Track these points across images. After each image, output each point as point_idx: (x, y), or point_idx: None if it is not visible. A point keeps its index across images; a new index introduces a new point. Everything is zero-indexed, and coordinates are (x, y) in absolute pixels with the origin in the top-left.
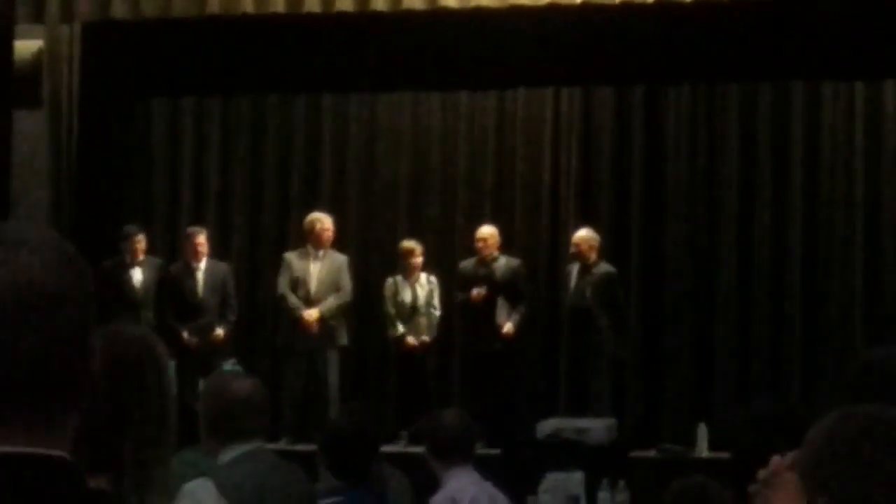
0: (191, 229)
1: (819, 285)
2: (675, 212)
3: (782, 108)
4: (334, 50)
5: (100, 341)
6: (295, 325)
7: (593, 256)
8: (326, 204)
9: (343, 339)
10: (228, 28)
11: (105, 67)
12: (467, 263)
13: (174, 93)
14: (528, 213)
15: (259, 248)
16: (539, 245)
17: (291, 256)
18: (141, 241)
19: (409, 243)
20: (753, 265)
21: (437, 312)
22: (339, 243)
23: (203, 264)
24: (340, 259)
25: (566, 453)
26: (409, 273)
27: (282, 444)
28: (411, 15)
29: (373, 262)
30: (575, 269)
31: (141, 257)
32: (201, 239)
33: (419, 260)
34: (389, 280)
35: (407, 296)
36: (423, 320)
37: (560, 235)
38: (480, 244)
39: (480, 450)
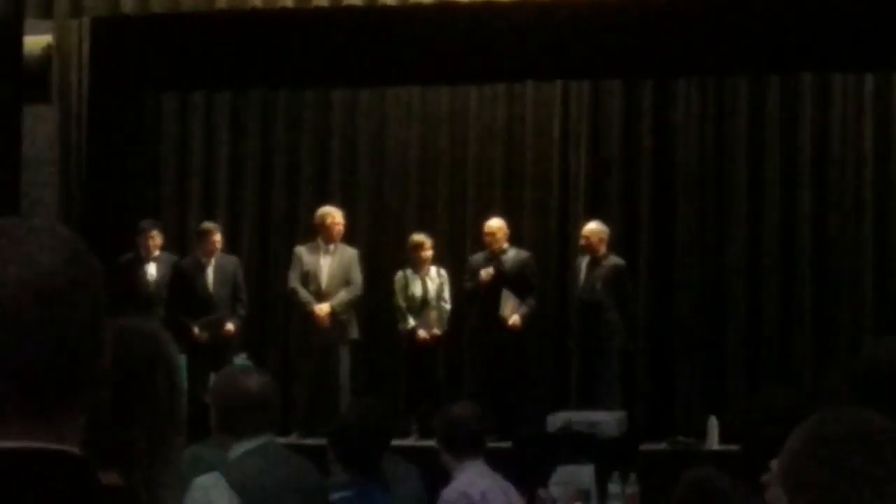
0: (207, 226)
1: (829, 277)
2: (684, 204)
3: (791, 100)
4: (343, 44)
5: (109, 336)
6: (306, 319)
7: (603, 249)
8: (337, 198)
9: (354, 333)
10: (237, 23)
11: (114, 62)
12: (477, 256)
13: (183, 87)
14: (537, 206)
15: (269, 243)
16: (548, 238)
17: (302, 251)
18: (155, 237)
19: (418, 237)
20: (763, 257)
21: (448, 306)
22: (350, 237)
23: (214, 259)
24: (351, 253)
25: (577, 446)
26: (419, 266)
27: (293, 439)
28: (420, 9)
29: (383, 256)
30: (584, 262)
31: (156, 253)
32: (217, 237)
33: (429, 253)
34: (399, 273)
35: (417, 289)
36: (433, 313)
37: (569, 228)
38: (489, 237)
39: (491, 443)
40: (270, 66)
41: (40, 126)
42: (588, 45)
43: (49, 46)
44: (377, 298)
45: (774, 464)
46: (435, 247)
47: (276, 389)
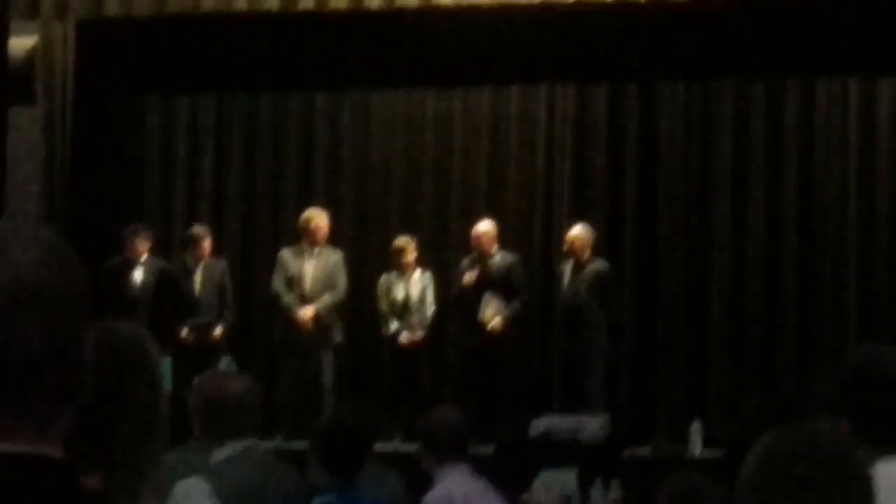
0: (197, 231)
1: (813, 282)
2: (668, 209)
3: (776, 104)
4: (328, 47)
5: (91, 338)
6: (290, 322)
7: (587, 253)
8: (321, 201)
9: (338, 336)
10: (222, 26)
11: (99, 65)
12: (466, 260)
13: (168, 90)
14: (521, 209)
15: (253, 246)
16: (533, 242)
17: (286, 254)
18: (141, 241)
19: (400, 240)
20: (747, 261)
21: (431, 309)
22: (334, 240)
23: (202, 263)
24: (335, 256)
25: (560, 451)
26: (402, 270)
27: (276, 442)
28: (405, 12)
29: (368, 260)
30: (569, 266)
31: (143, 257)
32: (207, 243)
33: (412, 257)
34: (383, 277)
35: (400, 293)
36: (416, 317)
37: (554, 232)
38: (474, 240)
39: (474, 448)
40: (255, 69)
41: (25, 128)
42: (573, 49)
43: (34, 48)
44: (361, 302)
45: None
46: (419, 250)
47: (258, 392)
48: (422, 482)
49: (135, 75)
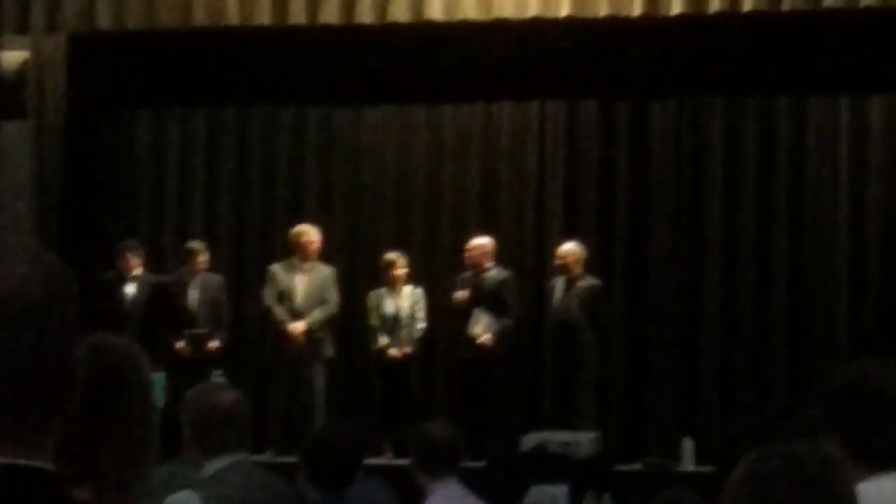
0: (194, 245)
1: (805, 299)
2: (659, 226)
3: (767, 122)
4: (319, 62)
5: (82, 351)
6: (281, 337)
7: (578, 270)
8: (312, 216)
9: (329, 351)
10: (213, 40)
11: (90, 78)
12: (463, 274)
13: (159, 104)
14: (513, 225)
15: (244, 260)
16: (524, 258)
17: (277, 269)
18: (133, 256)
19: (390, 255)
20: (738, 278)
21: (422, 325)
22: (325, 255)
23: (199, 278)
24: (327, 271)
25: (551, 466)
26: (392, 285)
27: (267, 457)
28: (397, 28)
29: (359, 275)
30: (560, 282)
31: (135, 272)
32: (203, 257)
33: (401, 272)
34: (373, 292)
35: (390, 308)
36: (405, 332)
37: (545, 248)
38: (466, 255)
39: (464, 463)
40: (246, 83)
41: (16, 142)
42: (564, 66)
43: (25, 62)
44: (353, 316)
45: None
46: (411, 265)
47: (247, 407)
48: (413, 497)
49: (126, 89)
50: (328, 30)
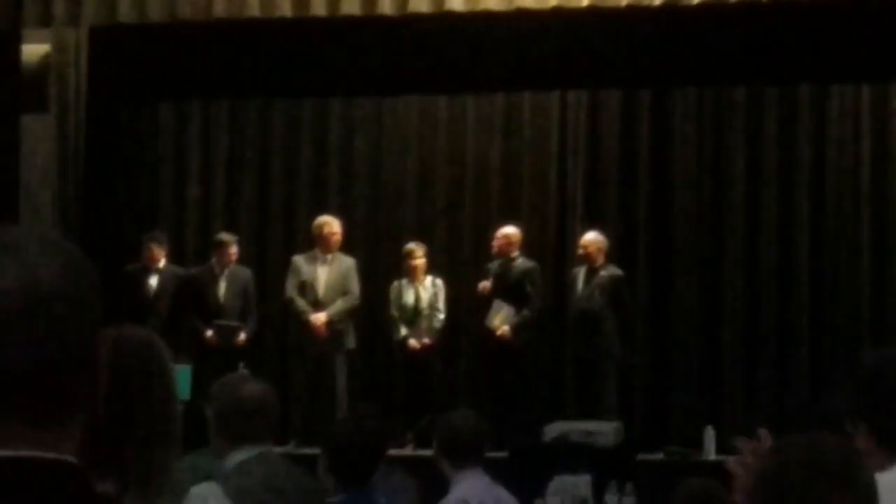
0: (224, 237)
1: (826, 287)
2: (681, 215)
3: (789, 110)
4: (341, 53)
5: (104, 343)
6: (303, 328)
7: (601, 259)
8: (334, 207)
9: (351, 342)
10: (235, 31)
11: (112, 71)
12: (492, 263)
13: (181, 96)
14: (535, 215)
15: (267, 252)
16: (546, 248)
17: (299, 260)
18: (158, 248)
19: (409, 245)
20: (761, 267)
21: (442, 315)
22: (347, 246)
23: (228, 270)
24: (348, 262)
25: (574, 456)
26: (412, 275)
27: (289, 448)
28: (418, 18)
29: (381, 266)
30: (582, 271)
31: (159, 264)
32: (233, 249)
33: (419, 262)
34: (395, 283)
35: (410, 298)
36: (425, 323)
37: (567, 238)
38: (494, 244)
39: (487, 452)
40: (268, 75)
41: (38, 135)
42: (586, 56)
43: (47, 55)
44: (374, 308)
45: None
46: (432, 256)
47: (275, 399)
48: (435, 487)
49: (147, 82)
50: (350, 21)
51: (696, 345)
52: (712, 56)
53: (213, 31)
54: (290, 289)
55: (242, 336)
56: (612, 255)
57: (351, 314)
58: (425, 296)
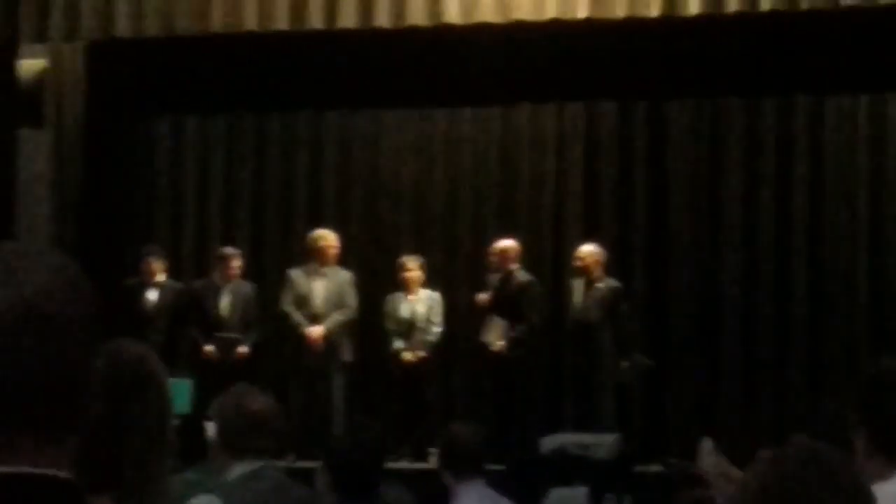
0: (227, 251)
1: (824, 299)
2: (678, 227)
3: (785, 122)
4: (337, 66)
5: (98, 359)
6: (299, 341)
7: (598, 271)
8: (330, 221)
9: (347, 355)
10: (232, 45)
11: (109, 86)
12: (493, 276)
13: (178, 110)
14: (532, 227)
15: (263, 265)
16: (543, 260)
17: (296, 273)
18: (156, 262)
19: (403, 258)
20: (758, 279)
21: (438, 329)
22: (343, 260)
23: (230, 284)
24: (345, 276)
25: (571, 468)
26: (406, 288)
27: (286, 462)
28: (415, 31)
29: (377, 279)
30: (579, 284)
31: (157, 278)
32: (236, 262)
33: (412, 274)
34: (389, 296)
35: (405, 311)
36: (419, 336)
37: (564, 251)
38: (490, 258)
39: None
40: (265, 88)
41: (34, 150)
42: (582, 68)
43: (44, 70)
44: (371, 321)
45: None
46: (429, 269)
47: (278, 413)
48: (434, 500)
49: (144, 97)
50: (346, 34)
51: (693, 356)
52: (709, 68)
53: (210, 45)
54: (286, 302)
55: (242, 349)
56: (609, 267)
57: (348, 327)
58: (420, 309)
